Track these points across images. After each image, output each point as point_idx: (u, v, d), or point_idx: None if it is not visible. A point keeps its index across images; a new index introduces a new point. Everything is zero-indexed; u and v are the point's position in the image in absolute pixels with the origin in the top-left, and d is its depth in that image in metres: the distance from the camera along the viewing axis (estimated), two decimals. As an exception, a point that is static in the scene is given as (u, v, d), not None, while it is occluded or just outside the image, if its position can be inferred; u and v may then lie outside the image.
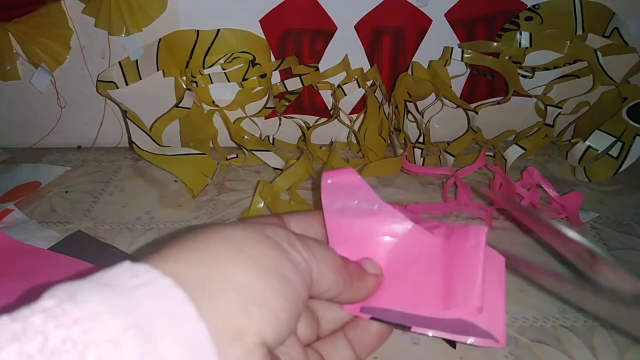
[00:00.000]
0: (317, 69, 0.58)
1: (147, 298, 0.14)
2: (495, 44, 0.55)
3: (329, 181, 0.24)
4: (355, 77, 0.57)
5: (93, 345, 0.13)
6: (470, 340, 0.20)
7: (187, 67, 0.57)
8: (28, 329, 0.13)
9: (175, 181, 0.57)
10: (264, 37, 0.56)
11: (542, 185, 0.48)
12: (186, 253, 0.17)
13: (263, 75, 0.58)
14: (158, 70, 0.58)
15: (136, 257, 0.15)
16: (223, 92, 0.60)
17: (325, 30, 0.56)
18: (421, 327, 0.21)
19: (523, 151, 0.53)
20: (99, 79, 0.57)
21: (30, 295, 0.14)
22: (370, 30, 0.56)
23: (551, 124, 0.57)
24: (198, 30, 0.55)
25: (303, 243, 0.20)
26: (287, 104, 0.60)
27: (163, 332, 0.14)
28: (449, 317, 0.21)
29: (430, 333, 0.21)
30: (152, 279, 0.15)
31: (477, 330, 0.20)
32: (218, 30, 0.55)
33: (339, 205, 0.23)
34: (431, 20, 0.55)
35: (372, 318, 0.22)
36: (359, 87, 0.57)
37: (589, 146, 0.52)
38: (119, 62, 0.57)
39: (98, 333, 0.13)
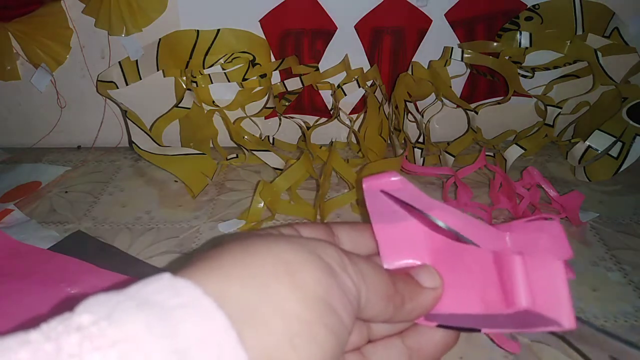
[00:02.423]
0: (317, 69, 0.58)
1: (187, 320, 0.14)
2: (495, 44, 0.55)
3: (370, 187, 0.22)
4: (355, 77, 0.57)
5: None
6: (539, 329, 0.19)
7: (187, 67, 0.57)
8: (62, 351, 0.12)
9: (175, 181, 0.57)
10: (264, 37, 0.56)
11: (542, 185, 0.48)
12: (231, 269, 0.16)
13: (263, 75, 0.58)
14: (158, 70, 0.58)
15: (176, 268, 0.14)
16: (223, 92, 0.60)
17: (325, 30, 0.56)
18: (491, 328, 0.20)
19: (523, 151, 0.53)
20: (99, 79, 0.57)
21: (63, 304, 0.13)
22: (370, 30, 0.56)
23: (551, 124, 0.57)
24: (198, 30, 0.55)
25: (354, 265, 0.19)
26: (287, 104, 0.60)
27: (202, 359, 0.13)
28: (515, 310, 0.20)
29: (500, 331, 0.19)
30: (194, 298, 0.14)
31: (544, 319, 0.19)
32: (218, 30, 0.55)
33: (386, 210, 0.22)
34: (431, 20, 0.55)
35: (439, 325, 0.21)
36: (359, 87, 0.57)
37: (589, 146, 0.52)
38: (119, 62, 0.57)
39: (136, 358, 0.12)
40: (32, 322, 0.13)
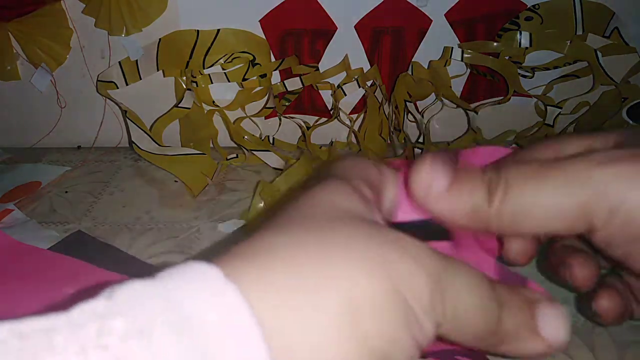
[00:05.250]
0: (317, 69, 0.58)
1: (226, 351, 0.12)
2: (495, 44, 0.55)
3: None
4: (355, 77, 0.57)
5: None
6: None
7: (187, 67, 0.57)
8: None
9: (175, 181, 0.57)
10: (264, 37, 0.56)
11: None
12: (281, 279, 0.15)
13: (263, 75, 0.58)
14: (158, 70, 0.58)
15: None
16: (223, 92, 0.59)
17: (325, 30, 0.56)
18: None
19: (523, 151, 0.53)
20: (99, 79, 0.57)
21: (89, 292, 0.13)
22: (370, 30, 0.56)
23: (551, 124, 0.57)
24: (198, 30, 0.55)
25: (443, 302, 0.15)
26: (287, 104, 0.60)
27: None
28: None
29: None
30: (238, 323, 0.13)
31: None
32: (218, 30, 0.55)
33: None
34: (431, 20, 0.55)
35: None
36: (359, 87, 0.57)
37: (589, 146, 0.52)
38: (119, 62, 0.57)
39: None
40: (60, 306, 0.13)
